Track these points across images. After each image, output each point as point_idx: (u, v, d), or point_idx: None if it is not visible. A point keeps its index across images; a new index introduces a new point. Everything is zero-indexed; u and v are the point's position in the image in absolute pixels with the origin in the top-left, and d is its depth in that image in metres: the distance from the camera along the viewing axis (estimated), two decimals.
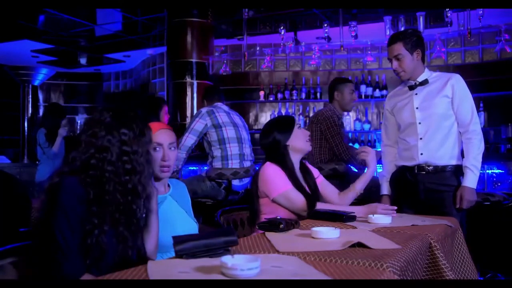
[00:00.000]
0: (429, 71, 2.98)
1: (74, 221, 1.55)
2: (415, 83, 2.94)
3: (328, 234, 1.79)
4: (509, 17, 5.05)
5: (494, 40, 5.58)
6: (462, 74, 6.42)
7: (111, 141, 1.65)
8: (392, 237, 1.80)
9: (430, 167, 2.87)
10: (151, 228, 1.84)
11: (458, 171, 2.86)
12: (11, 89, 9.17)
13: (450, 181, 2.85)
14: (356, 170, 3.98)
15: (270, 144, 2.61)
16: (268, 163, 2.58)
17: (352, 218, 2.21)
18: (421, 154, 2.88)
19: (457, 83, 2.89)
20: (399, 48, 2.88)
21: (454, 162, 2.87)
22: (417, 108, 2.92)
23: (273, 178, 2.51)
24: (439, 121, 2.86)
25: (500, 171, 4.09)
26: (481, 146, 2.84)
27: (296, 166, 2.62)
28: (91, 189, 1.59)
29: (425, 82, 2.92)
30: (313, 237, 1.80)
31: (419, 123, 2.90)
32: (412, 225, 2.12)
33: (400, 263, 1.47)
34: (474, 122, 2.85)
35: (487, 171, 4.11)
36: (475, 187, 2.80)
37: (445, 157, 2.86)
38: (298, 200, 2.47)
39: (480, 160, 2.82)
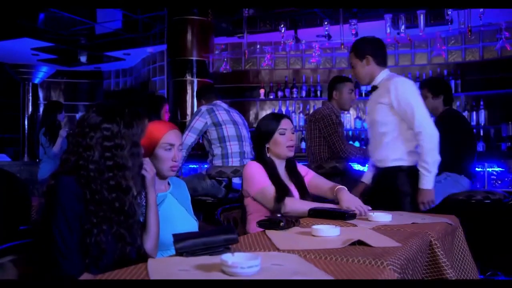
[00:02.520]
0: (386, 75, 3.02)
1: (72, 220, 1.55)
2: (372, 88, 3.08)
3: (328, 232, 1.79)
4: (509, 15, 5.04)
5: (494, 38, 5.57)
6: (463, 72, 6.45)
7: (93, 138, 1.64)
8: (393, 235, 1.80)
9: (379, 169, 3.03)
10: (150, 227, 1.83)
11: (399, 171, 2.94)
12: (11, 88, 9.16)
13: (391, 181, 2.95)
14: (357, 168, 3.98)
15: (255, 137, 2.67)
16: (250, 162, 2.62)
17: (353, 216, 2.20)
18: (372, 157, 3.10)
19: (395, 88, 2.89)
20: (351, 57, 3.10)
21: (395, 163, 2.95)
22: (367, 114, 3.13)
23: (253, 175, 2.51)
24: (377, 127, 2.98)
25: (500, 169, 4.10)
26: (429, 147, 2.86)
27: (280, 166, 2.60)
28: (85, 188, 1.59)
29: (375, 88, 3.03)
30: (313, 235, 1.80)
31: (368, 127, 3.12)
32: (413, 223, 2.11)
33: (400, 261, 1.47)
34: (418, 124, 2.85)
35: (488, 169, 4.11)
36: (429, 187, 2.86)
37: (386, 160, 2.98)
38: (270, 195, 2.43)
39: (431, 160, 2.86)
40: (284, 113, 6.95)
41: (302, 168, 2.74)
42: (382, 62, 3.03)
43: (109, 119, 1.66)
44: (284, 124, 2.58)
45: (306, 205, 2.35)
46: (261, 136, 2.60)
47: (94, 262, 1.58)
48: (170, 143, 2.06)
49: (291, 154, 2.59)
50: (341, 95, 3.87)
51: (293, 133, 2.60)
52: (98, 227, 1.58)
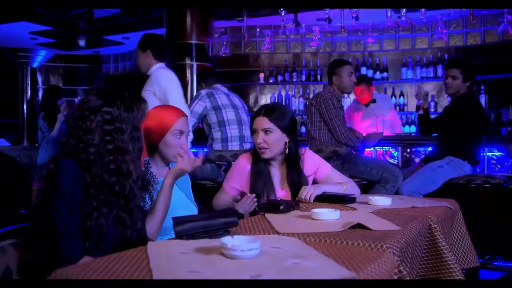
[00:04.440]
0: (158, 67, 3.56)
1: (72, 203, 1.55)
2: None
3: (328, 216, 1.79)
4: None
5: (496, 22, 5.54)
6: (464, 56, 6.40)
7: (93, 121, 1.62)
8: (392, 219, 1.81)
9: None
10: (157, 211, 1.84)
11: None
12: (10, 72, 9.11)
13: None
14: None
15: None
16: (241, 155, 2.53)
17: (353, 200, 2.21)
18: None
19: (156, 78, 3.48)
20: (137, 47, 3.68)
21: None
22: None
23: (230, 171, 2.55)
24: None
25: (500, 153, 4.09)
26: None
27: (275, 164, 2.45)
28: (85, 172, 1.58)
29: (147, 76, 3.57)
30: (313, 219, 1.80)
31: None
32: (412, 207, 2.12)
33: (400, 244, 1.47)
34: None
35: (488, 153, 4.11)
36: None
37: None
38: (216, 198, 2.49)
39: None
40: (284, 98, 6.93)
41: (313, 165, 2.52)
42: (159, 57, 3.63)
43: (110, 103, 1.65)
44: (255, 124, 2.39)
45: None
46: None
47: (94, 245, 1.59)
48: (180, 130, 2.07)
49: (263, 156, 2.37)
50: (341, 79, 3.84)
51: (268, 133, 2.35)
52: (98, 210, 1.58)
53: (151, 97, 3.37)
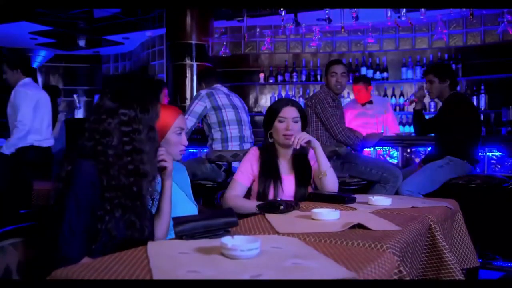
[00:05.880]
0: (23, 83, 4.14)
1: (84, 205, 1.55)
2: None
3: (328, 216, 1.79)
4: None
5: (496, 22, 5.54)
6: (464, 56, 6.41)
7: (111, 124, 1.63)
8: (392, 219, 1.81)
9: None
10: (163, 214, 1.84)
11: None
12: None
13: None
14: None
15: (263, 121, 2.68)
16: (252, 147, 2.67)
17: (353, 200, 2.21)
18: None
19: (13, 93, 4.07)
20: None
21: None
22: None
23: (241, 163, 2.62)
24: (12, 119, 4.10)
25: (500, 153, 4.09)
26: (17, 136, 4.01)
27: (285, 154, 2.60)
28: (103, 175, 1.59)
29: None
30: (313, 219, 1.80)
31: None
32: (412, 207, 2.12)
33: (400, 244, 1.47)
34: (18, 120, 4.05)
35: (488, 153, 4.11)
36: None
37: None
38: (231, 190, 2.52)
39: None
40: (284, 98, 6.93)
41: (314, 154, 2.67)
42: (27, 73, 4.17)
43: (126, 105, 1.66)
44: (285, 112, 2.54)
45: (247, 203, 2.40)
46: (265, 121, 2.63)
47: (102, 248, 1.58)
48: (181, 127, 2.10)
49: (287, 142, 2.53)
50: (326, 79, 3.84)
51: (296, 122, 2.54)
52: (110, 214, 1.58)
53: (9, 109, 4.09)
